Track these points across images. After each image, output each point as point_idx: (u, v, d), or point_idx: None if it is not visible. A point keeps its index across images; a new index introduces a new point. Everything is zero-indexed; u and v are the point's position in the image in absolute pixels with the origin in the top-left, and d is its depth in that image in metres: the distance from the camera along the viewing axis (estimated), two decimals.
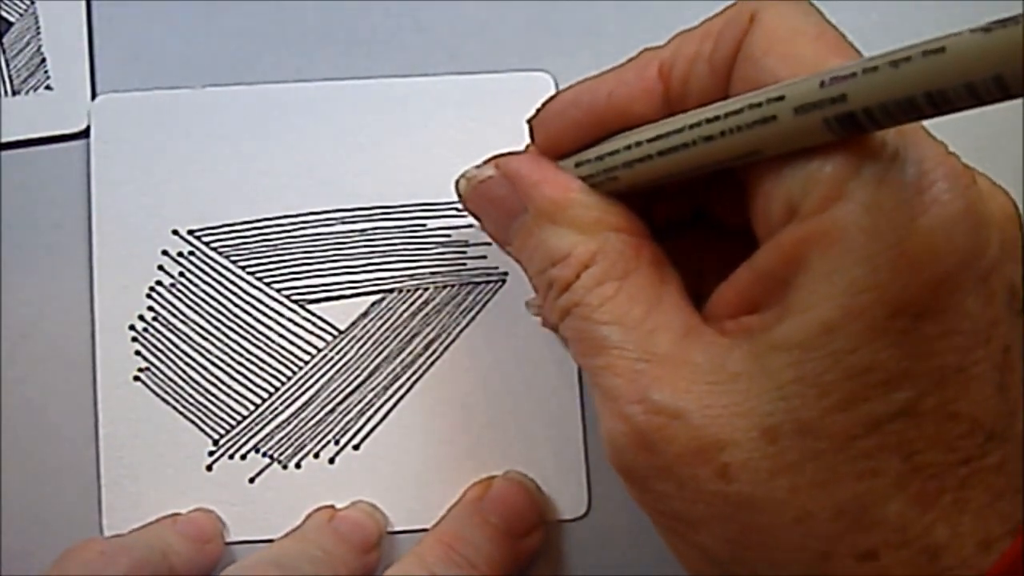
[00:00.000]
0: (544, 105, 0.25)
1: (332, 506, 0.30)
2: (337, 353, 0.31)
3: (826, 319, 0.19)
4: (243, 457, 0.30)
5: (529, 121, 0.25)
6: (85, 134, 0.32)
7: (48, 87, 0.32)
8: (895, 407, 0.19)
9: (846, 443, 0.19)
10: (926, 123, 0.19)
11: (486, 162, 0.25)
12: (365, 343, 0.31)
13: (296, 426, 0.31)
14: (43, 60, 0.32)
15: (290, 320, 0.31)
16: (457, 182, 0.27)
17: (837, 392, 0.19)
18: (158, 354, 0.31)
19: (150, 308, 0.31)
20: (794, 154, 0.20)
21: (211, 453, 0.30)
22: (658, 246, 0.23)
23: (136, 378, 0.31)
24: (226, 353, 0.31)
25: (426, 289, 0.31)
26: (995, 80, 0.16)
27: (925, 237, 0.19)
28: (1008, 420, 0.19)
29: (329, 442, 0.31)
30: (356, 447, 0.31)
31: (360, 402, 0.31)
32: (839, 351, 0.19)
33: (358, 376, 0.31)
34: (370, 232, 0.31)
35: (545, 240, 0.23)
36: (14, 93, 0.32)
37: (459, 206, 0.31)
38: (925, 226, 0.19)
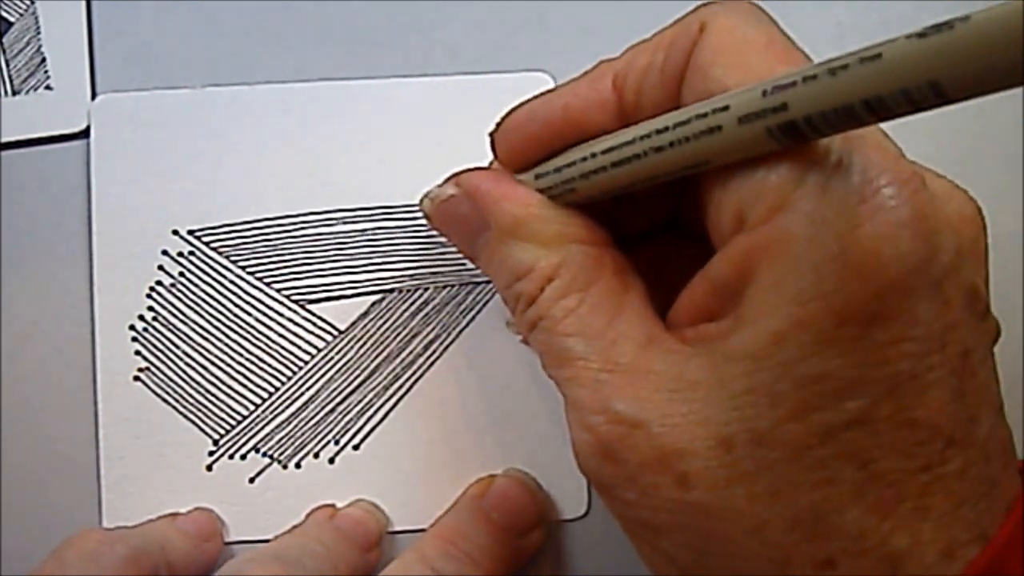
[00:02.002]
0: (503, 118, 0.25)
1: (332, 505, 0.30)
2: (337, 353, 0.31)
3: (775, 329, 0.19)
4: (243, 457, 0.30)
5: (490, 135, 0.25)
6: (85, 134, 0.32)
7: (48, 87, 0.32)
8: (848, 415, 0.19)
9: (800, 452, 0.19)
10: (887, 126, 0.19)
11: (448, 179, 0.26)
12: (365, 343, 0.31)
13: (296, 426, 0.31)
14: (43, 60, 0.32)
15: (290, 320, 0.31)
16: (421, 201, 0.27)
17: (789, 402, 0.19)
18: (158, 354, 0.31)
19: (150, 308, 0.31)
20: (742, 164, 0.20)
21: (211, 453, 0.30)
22: (621, 255, 0.23)
23: (136, 378, 0.31)
24: (226, 353, 0.31)
25: (426, 289, 0.31)
26: (931, 86, 0.16)
27: (869, 245, 0.18)
28: (969, 426, 0.19)
29: (329, 442, 0.31)
30: (356, 447, 0.31)
31: (360, 402, 0.31)
32: (789, 361, 0.19)
33: (358, 376, 0.31)
34: (370, 232, 0.31)
35: (509, 255, 0.23)
36: (14, 93, 0.32)
37: None
38: (868, 233, 0.18)
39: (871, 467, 0.19)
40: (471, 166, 0.26)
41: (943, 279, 0.19)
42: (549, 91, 0.24)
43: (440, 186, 0.26)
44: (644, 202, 0.25)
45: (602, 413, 0.21)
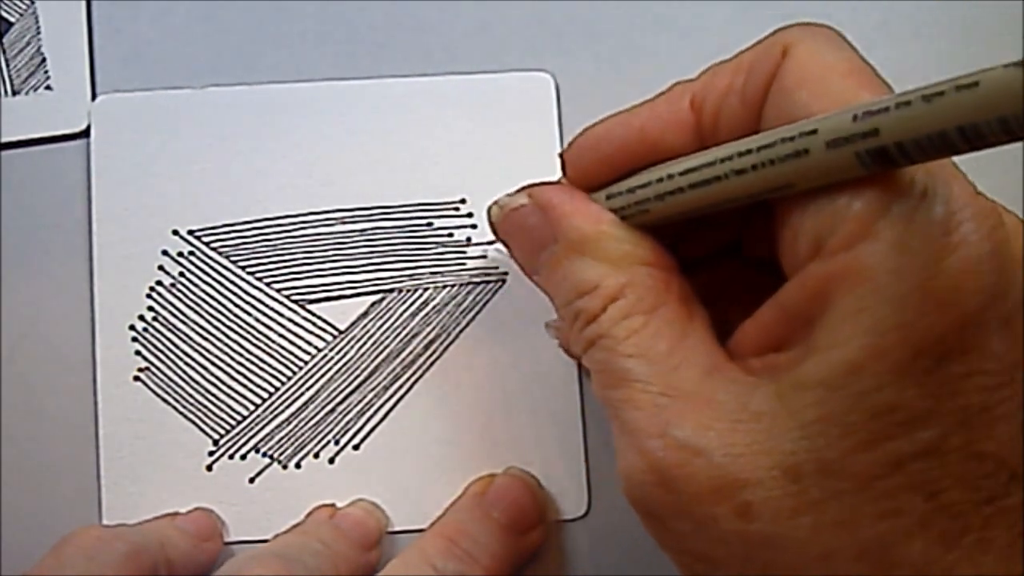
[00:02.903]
0: (576, 138, 0.25)
1: (332, 505, 0.30)
2: (337, 353, 0.31)
3: (851, 358, 0.19)
4: (243, 457, 0.30)
5: (561, 155, 0.25)
6: (85, 134, 0.32)
7: (48, 87, 0.32)
8: (919, 446, 0.19)
9: (869, 483, 0.19)
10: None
11: (519, 190, 0.25)
12: (365, 343, 0.31)
13: (296, 426, 0.31)
14: (43, 60, 0.32)
15: (290, 320, 0.31)
16: (489, 209, 0.27)
17: (860, 432, 0.19)
18: (158, 354, 0.31)
19: (150, 308, 0.31)
20: (823, 189, 0.20)
21: (211, 453, 0.30)
22: (687, 281, 0.23)
23: (136, 378, 0.31)
24: (226, 353, 0.31)
25: (426, 289, 0.31)
26: None
27: (951, 278, 0.18)
28: None
29: (329, 442, 0.31)
30: (356, 447, 0.31)
31: (360, 402, 0.31)
32: (864, 391, 0.19)
33: (358, 376, 0.31)
34: (370, 232, 0.31)
35: (574, 271, 0.23)
36: (14, 93, 0.32)
37: (459, 206, 0.31)
38: (951, 267, 0.18)
39: (938, 498, 0.19)
40: (544, 180, 0.25)
41: (1013, 314, 0.19)
42: (623, 111, 0.24)
43: (511, 195, 0.25)
44: (708, 227, 0.25)
45: (660, 437, 0.20)
